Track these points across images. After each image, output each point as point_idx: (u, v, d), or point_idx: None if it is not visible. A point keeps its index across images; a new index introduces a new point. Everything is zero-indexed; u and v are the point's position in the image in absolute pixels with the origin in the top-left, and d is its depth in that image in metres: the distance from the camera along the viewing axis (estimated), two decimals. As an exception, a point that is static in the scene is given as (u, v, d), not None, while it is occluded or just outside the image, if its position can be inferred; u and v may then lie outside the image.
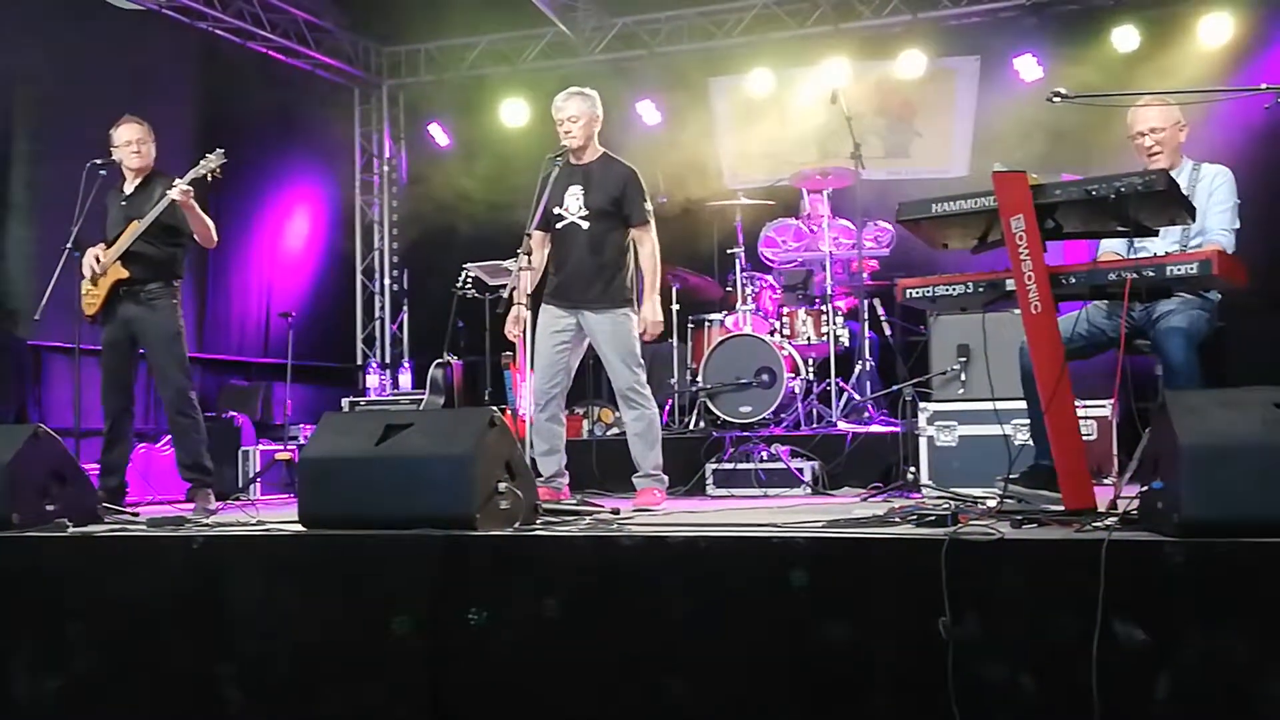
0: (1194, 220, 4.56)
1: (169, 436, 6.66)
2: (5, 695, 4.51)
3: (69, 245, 6.36)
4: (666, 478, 6.28)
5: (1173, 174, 4.79)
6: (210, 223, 6.45)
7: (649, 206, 6.25)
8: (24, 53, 8.61)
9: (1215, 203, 5.03)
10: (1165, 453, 3.47)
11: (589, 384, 6.41)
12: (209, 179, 6.40)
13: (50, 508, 4.98)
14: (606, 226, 6.16)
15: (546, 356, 6.09)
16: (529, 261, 5.82)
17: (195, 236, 6.45)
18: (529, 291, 5.99)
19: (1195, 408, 3.47)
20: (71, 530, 4.85)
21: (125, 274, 6.35)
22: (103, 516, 5.39)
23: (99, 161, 6.43)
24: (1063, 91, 4.61)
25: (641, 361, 6.24)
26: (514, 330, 6.12)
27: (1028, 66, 9.46)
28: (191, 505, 6.29)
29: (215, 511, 6.17)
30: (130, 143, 6.47)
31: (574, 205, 6.14)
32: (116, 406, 6.44)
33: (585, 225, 6.14)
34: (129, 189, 6.53)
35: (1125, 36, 9.35)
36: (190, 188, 6.23)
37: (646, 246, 6.24)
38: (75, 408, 6.55)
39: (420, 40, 11.73)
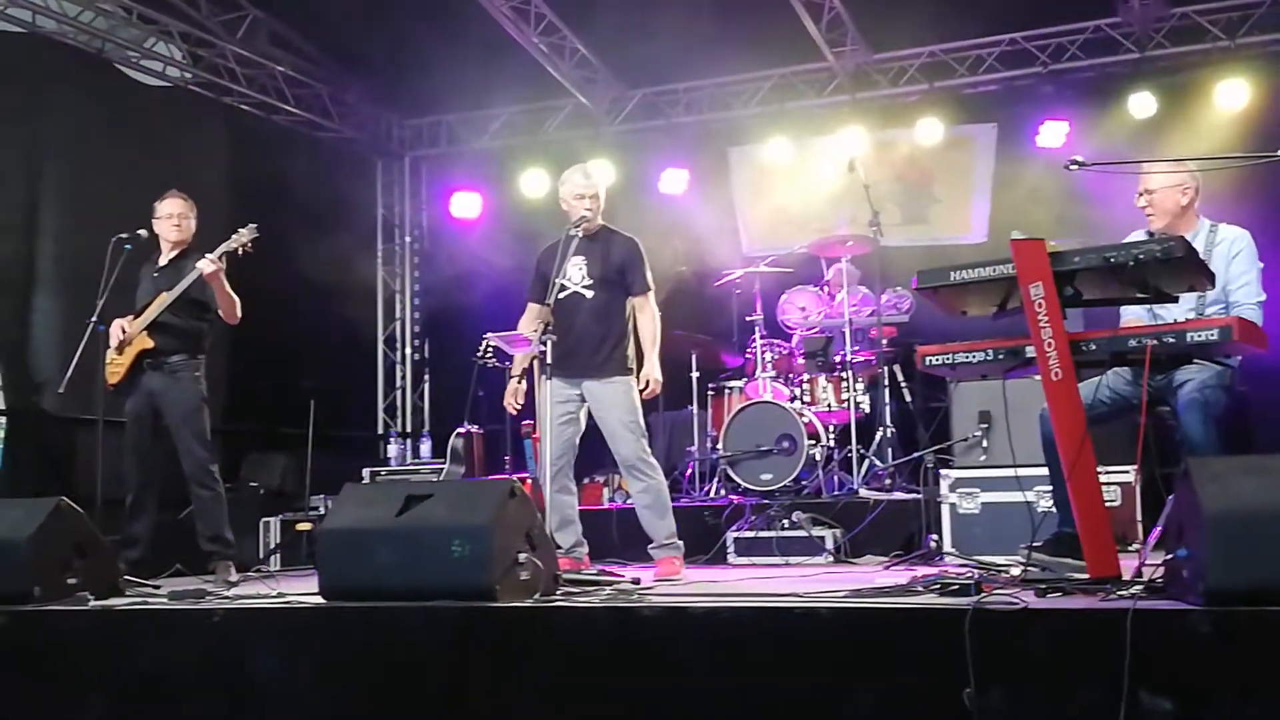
0: (1213, 286, 4.55)
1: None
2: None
3: (94, 319, 6.42)
4: (682, 544, 6.25)
5: (1188, 235, 4.81)
6: (235, 299, 6.51)
7: (650, 276, 6.29)
8: (51, 127, 8.75)
9: (1237, 274, 5.00)
10: (1189, 520, 3.44)
11: (608, 452, 6.39)
12: (240, 253, 6.47)
13: (71, 581, 4.98)
14: (610, 295, 6.21)
15: (556, 429, 6.09)
16: (545, 332, 5.83)
17: (220, 311, 6.50)
18: (525, 366, 6.04)
19: (1219, 475, 3.45)
20: (92, 604, 4.85)
21: (151, 344, 6.41)
22: (124, 589, 5.39)
23: (124, 235, 6.51)
24: (1080, 159, 4.63)
25: (645, 430, 6.24)
26: (513, 405, 6.18)
27: (1053, 133, 9.47)
28: (212, 575, 6.30)
29: (236, 583, 6.17)
30: (173, 215, 6.59)
31: (577, 275, 6.18)
32: (139, 478, 6.47)
33: (589, 295, 6.18)
34: (163, 261, 6.63)
35: (1142, 103, 9.39)
36: (222, 262, 6.30)
37: (647, 313, 6.28)
38: (99, 479, 6.56)
39: (441, 112, 11.87)
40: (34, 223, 8.78)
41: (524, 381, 6.35)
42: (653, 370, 6.22)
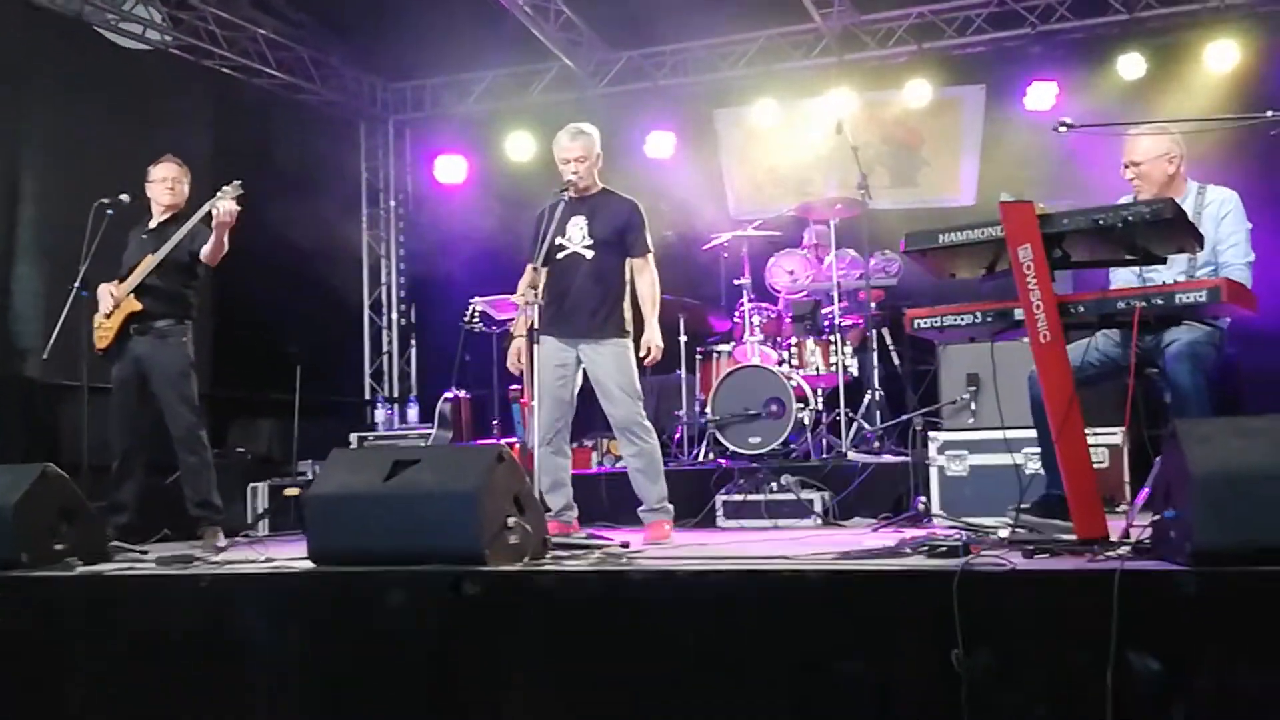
0: (1202, 248, 4.55)
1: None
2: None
3: (77, 284, 6.39)
4: (672, 508, 6.26)
5: (1178, 200, 4.80)
6: (225, 249, 6.45)
7: (650, 239, 6.27)
8: (30, 92, 8.66)
9: (1226, 234, 5.01)
10: (1177, 481, 3.45)
11: (597, 416, 6.38)
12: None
13: (59, 547, 4.97)
14: (610, 257, 6.18)
15: (550, 390, 6.07)
16: (536, 295, 5.82)
17: (203, 252, 6.40)
18: (527, 327, 6.01)
19: (1206, 436, 3.45)
20: (80, 569, 4.85)
21: (138, 306, 6.38)
22: (112, 555, 5.38)
23: (106, 200, 6.46)
24: (1068, 121, 4.62)
25: (641, 393, 6.23)
26: (516, 364, 6.15)
27: (1042, 94, 9.43)
28: (200, 542, 6.29)
29: (224, 548, 6.16)
30: (167, 180, 6.57)
31: (577, 235, 6.15)
32: (126, 444, 6.45)
33: (590, 255, 6.14)
34: (153, 224, 6.60)
35: (1131, 64, 9.37)
36: (237, 207, 6.25)
37: (646, 276, 6.25)
38: (84, 445, 6.54)
39: (426, 75, 11.79)
40: (15, 188, 8.71)
41: (525, 340, 6.28)
42: (653, 336, 6.20)
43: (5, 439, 8.00)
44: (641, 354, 6.20)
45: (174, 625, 4.39)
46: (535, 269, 6.05)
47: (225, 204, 6.24)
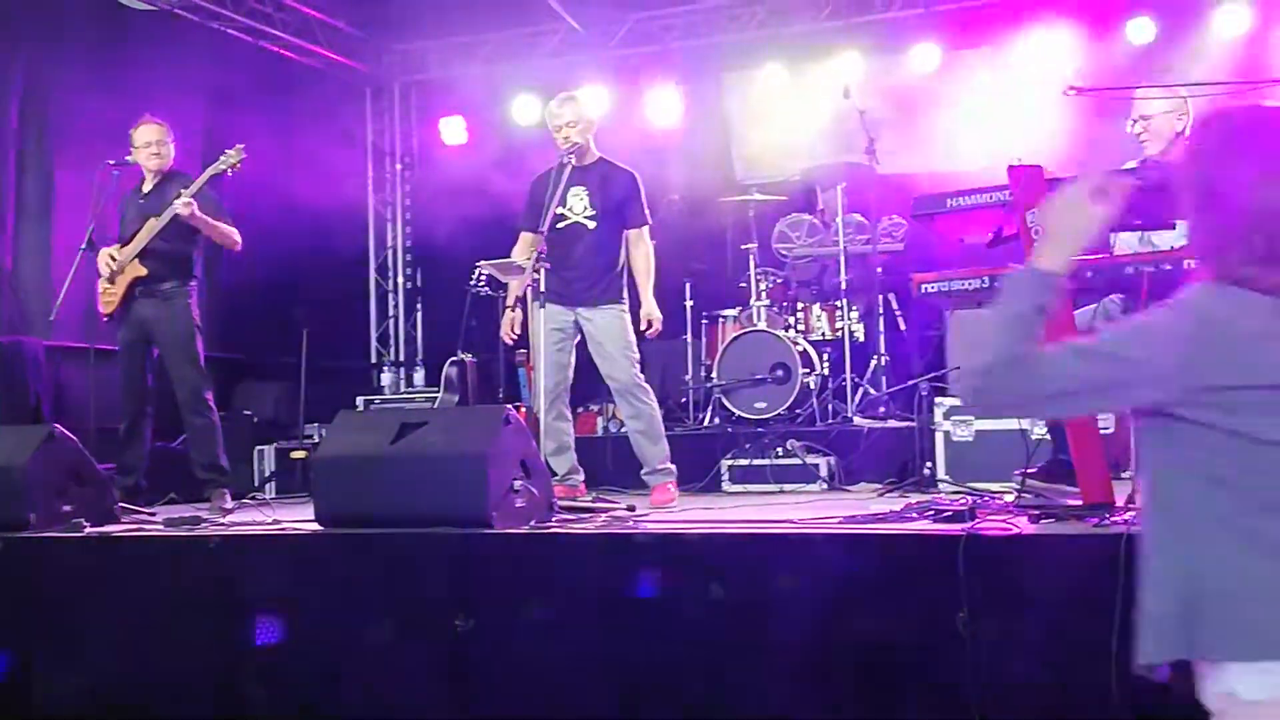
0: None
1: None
2: (24, 695, 4.53)
3: (84, 246, 6.39)
4: (675, 468, 6.28)
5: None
6: (227, 229, 6.46)
7: (648, 210, 6.30)
8: (35, 55, 8.63)
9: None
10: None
11: (601, 382, 6.39)
12: (229, 173, 6.43)
13: (67, 508, 5.00)
14: (611, 227, 6.23)
15: (550, 355, 6.08)
16: (539, 259, 5.81)
17: (219, 244, 6.46)
18: (519, 294, 6.03)
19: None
20: (88, 531, 4.87)
21: (143, 272, 6.38)
22: (120, 517, 5.40)
23: (113, 163, 6.46)
24: (1078, 84, 4.59)
25: (639, 355, 6.26)
26: (510, 334, 6.17)
27: (1051, 57, 9.36)
28: (207, 504, 6.31)
29: (231, 511, 6.19)
30: (150, 144, 6.52)
31: (579, 205, 6.17)
32: (133, 407, 6.47)
33: (591, 225, 6.17)
34: (147, 187, 6.57)
35: (1141, 28, 9.30)
36: (193, 202, 6.21)
37: (642, 247, 6.29)
38: (91, 408, 6.56)
39: (431, 37, 11.71)
40: (20, 153, 8.69)
41: (519, 309, 6.34)
42: (652, 310, 6.28)
43: (13, 401, 8.01)
44: (642, 327, 6.26)
45: (182, 587, 4.42)
46: (538, 234, 6.05)
47: (179, 205, 6.19)
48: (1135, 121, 5.18)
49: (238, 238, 6.53)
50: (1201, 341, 2.06)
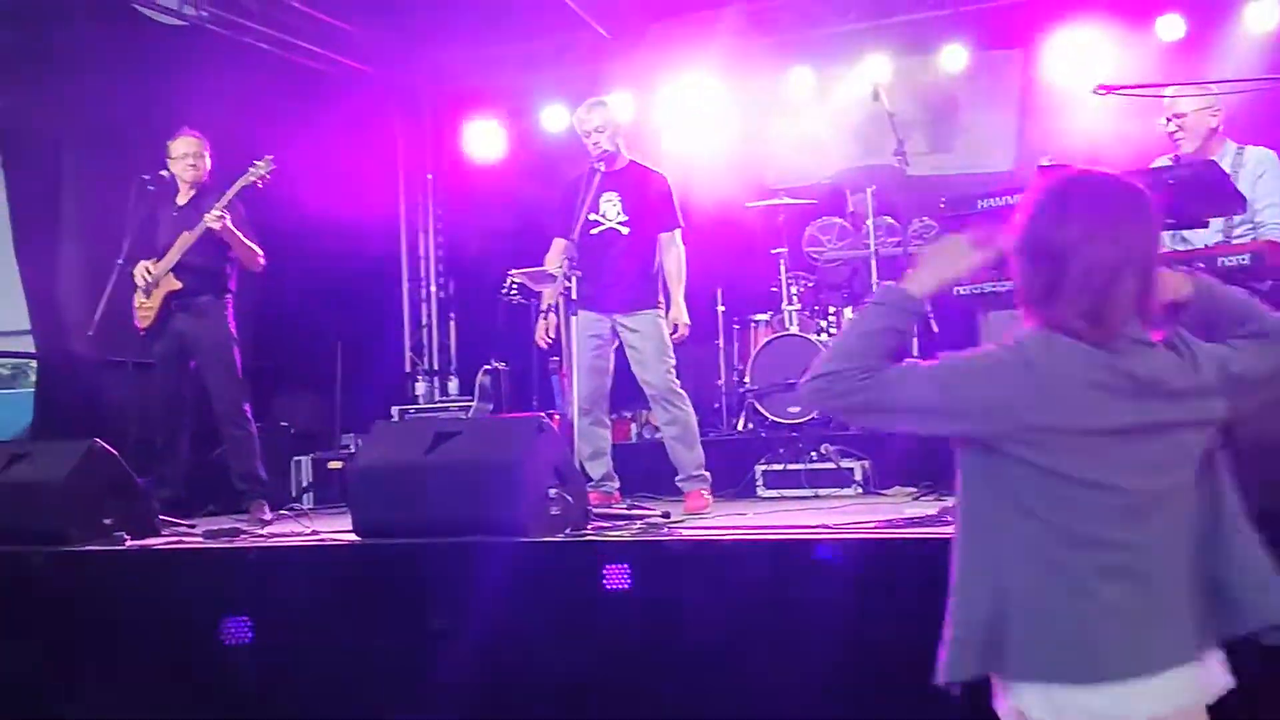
0: (1244, 210, 4.50)
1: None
2: (66, 707, 4.57)
3: (121, 260, 6.44)
4: (709, 475, 6.28)
5: (1216, 158, 4.75)
6: (254, 248, 6.50)
7: (680, 214, 6.31)
8: (69, 70, 8.70)
9: (1263, 194, 4.95)
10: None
11: (637, 388, 6.40)
12: (259, 185, 6.47)
13: (107, 521, 5.04)
14: (644, 232, 6.24)
15: (587, 361, 6.11)
16: (568, 268, 5.83)
17: (241, 261, 6.50)
18: (552, 301, 6.05)
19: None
20: (129, 543, 4.91)
21: (178, 285, 6.43)
22: (159, 529, 5.45)
23: (147, 176, 6.51)
24: (1106, 84, 4.57)
25: (674, 361, 6.28)
26: (545, 339, 6.20)
27: (1081, 55, 9.30)
28: (246, 515, 6.36)
29: (270, 522, 6.23)
30: (187, 155, 6.57)
31: (612, 212, 6.19)
32: (171, 420, 6.52)
33: (625, 231, 6.18)
34: (182, 200, 6.62)
35: (1170, 26, 9.24)
36: (225, 214, 6.27)
37: (674, 252, 6.30)
38: (130, 421, 6.61)
39: (462, 46, 11.74)
40: (57, 168, 8.76)
41: (552, 315, 6.34)
42: (681, 314, 6.29)
43: (53, 415, 8.09)
44: (670, 331, 6.25)
45: (222, 598, 4.45)
46: (569, 240, 6.06)
47: (210, 219, 6.25)
48: (1170, 120, 5.15)
49: (262, 258, 6.57)
50: (1024, 384, 2.20)
